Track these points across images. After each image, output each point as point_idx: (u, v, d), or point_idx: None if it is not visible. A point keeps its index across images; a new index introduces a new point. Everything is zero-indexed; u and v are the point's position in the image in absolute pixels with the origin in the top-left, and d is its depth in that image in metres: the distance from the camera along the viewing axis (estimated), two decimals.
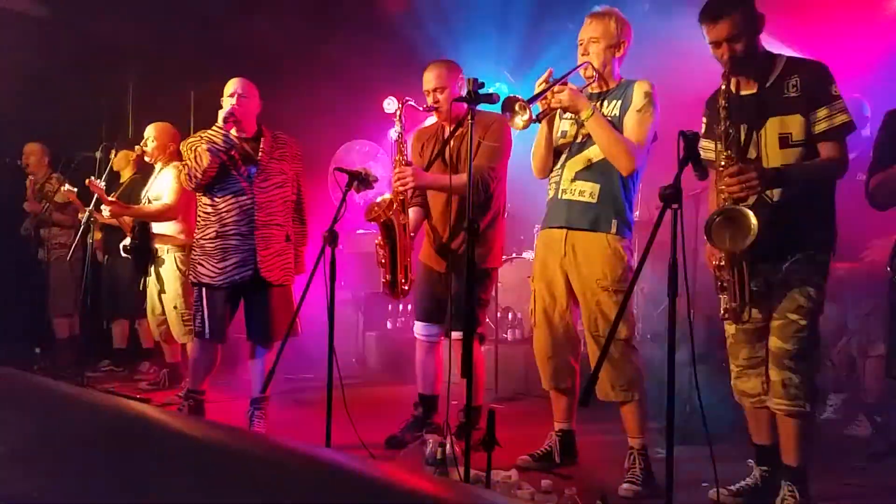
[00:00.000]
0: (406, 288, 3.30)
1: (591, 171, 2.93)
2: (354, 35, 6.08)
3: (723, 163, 2.43)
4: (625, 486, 2.82)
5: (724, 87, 2.48)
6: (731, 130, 2.46)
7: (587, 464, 3.18)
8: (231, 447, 1.09)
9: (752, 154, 2.51)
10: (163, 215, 4.50)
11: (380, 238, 3.32)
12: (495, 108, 2.73)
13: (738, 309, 2.51)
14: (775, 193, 2.49)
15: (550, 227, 3.06)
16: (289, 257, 3.65)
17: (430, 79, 3.39)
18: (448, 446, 2.67)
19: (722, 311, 2.54)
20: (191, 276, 3.70)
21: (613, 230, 2.90)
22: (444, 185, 3.27)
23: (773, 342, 2.52)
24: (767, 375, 2.57)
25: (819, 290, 2.49)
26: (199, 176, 3.46)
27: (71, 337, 5.53)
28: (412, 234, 3.38)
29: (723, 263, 2.50)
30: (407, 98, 3.33)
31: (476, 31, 6.12)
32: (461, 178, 3.15)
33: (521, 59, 6.37)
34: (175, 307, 4.50)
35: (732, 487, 2.70)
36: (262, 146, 3.59)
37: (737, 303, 2.49)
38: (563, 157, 3.02)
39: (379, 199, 3.31)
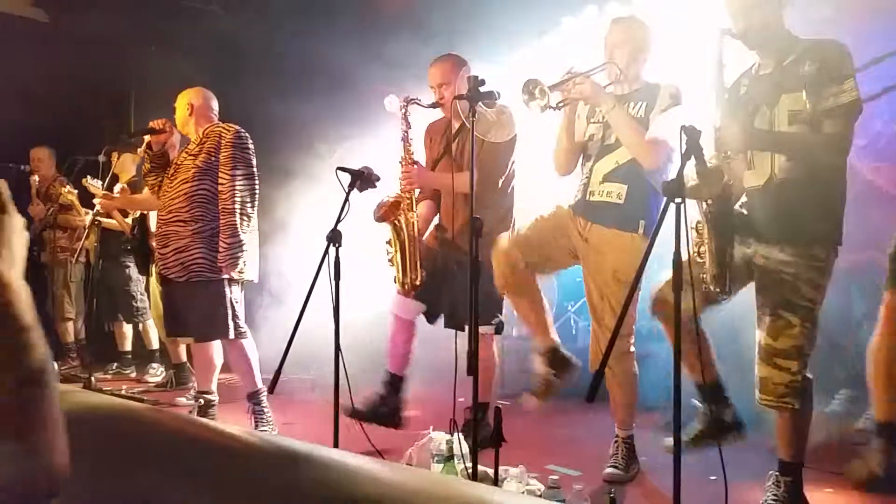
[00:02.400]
0: (417, 284, 3.28)
1: (619, 173, 2.93)
2: (353, 33, 6.07)
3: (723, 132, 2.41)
4: (608, 470, 2.95)
5: (716, 45, 2.42)
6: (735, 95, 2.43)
7: (598, 460, 3.18)
8: (237, 449, 1.09)
9: (761, 128, 2.47)
10: (151, 202, 4.33)
11: (390, 237, 3.32)
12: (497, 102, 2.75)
13: (720, 277, 2.38)
14: (782, 172, 2.44)
15: (573, 214, 3.02)
16: (193, 254, 3.50)
17: (434, 74, 3.40)
18: (455, 443, 2.67)
19: (701, 282, 2.38)
20: None
21: (640, 231, 2.89)
22: (447, 183, 3.26)
23: (763, 338, 2.47)
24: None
25: (816, 289, 2.41)
26: None
27: (76, 340, 5.55)
28: (423, 229, 3.40)
29: (700, 227, 2.42)
30: (410, 96, 3.33)
31: (477, 28, 6.09)
32: (463, 176, 3.15)
33: (523, 57, 6.34)
34: None
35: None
36: (188, 146, 3.67)
37: (717, 269, 2.38)
38: (592, 159, 3.02)
39: (386, 199, 3.30)
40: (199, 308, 3.49)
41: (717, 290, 2.43)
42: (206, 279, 3.48)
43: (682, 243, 2.04)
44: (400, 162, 3.33)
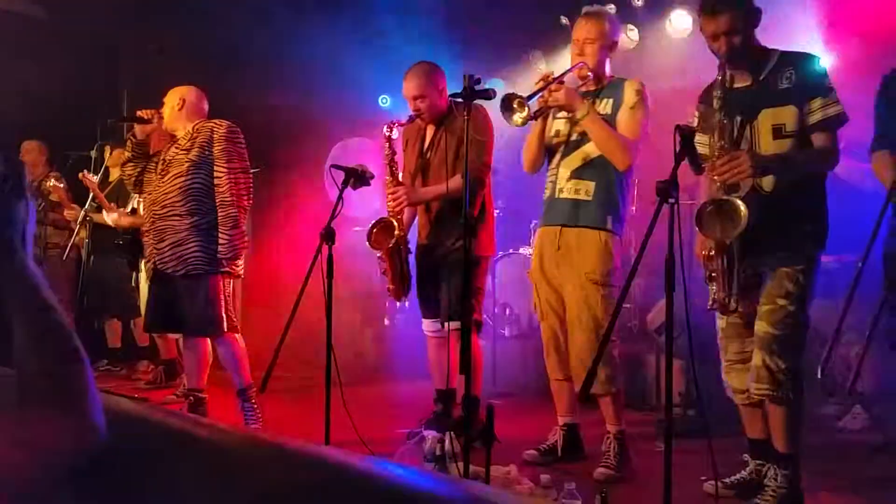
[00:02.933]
0: (408, 287, 3.47)
1: (586, 170, 2.98)
2: (348, 32, 6.06)
3: (717, 153, 2.45)
4: (599, 469, 2.91)
5: (719, 78, 2.49)
6: (724, 121, 2.47)
7: (589, 458, 3.19)
8: (228, 446, 1.09)
9: (744, 146, 2.52)
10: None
11: (381, 253, 3.40)
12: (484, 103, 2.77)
13: (726, 299, 2.49)
14: (767, 184, 2.49)
15: (546, 226, 3.11)
16: (190, 247, 3.47)
17: (409, 87, 3.43)
18: (447, 442, 2.67)
19: (710, 302, 2.53)
20: None
21: (608, 226, 2.96)
22: (439, 194, 3.33)
23: (760, 326, 2.51)
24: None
25: (807, 279, 2.49)
26: None
27: None
28: (407, 234, 3.47)
29: (712, 253, 2.49)
30: (393, 122, 3.43)
31: (470, 26, 6.10)
32: (457, 181, 3.24)
33: (515, 56, 6.36)
34: None
35: (727, 480, 2.70)
36: (178, 142, 3.65)
37: (725, 293, 2.48)
38: (559, 156, 3.06)
39: (376, 222, 3.38)
40: (194, 302, 3.47)
41: (725, 308, 2.50)
42: (204, 272, 3.46)
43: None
44: (387, 184, 3.39)
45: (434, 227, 3.46)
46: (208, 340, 3.66)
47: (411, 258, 3.53)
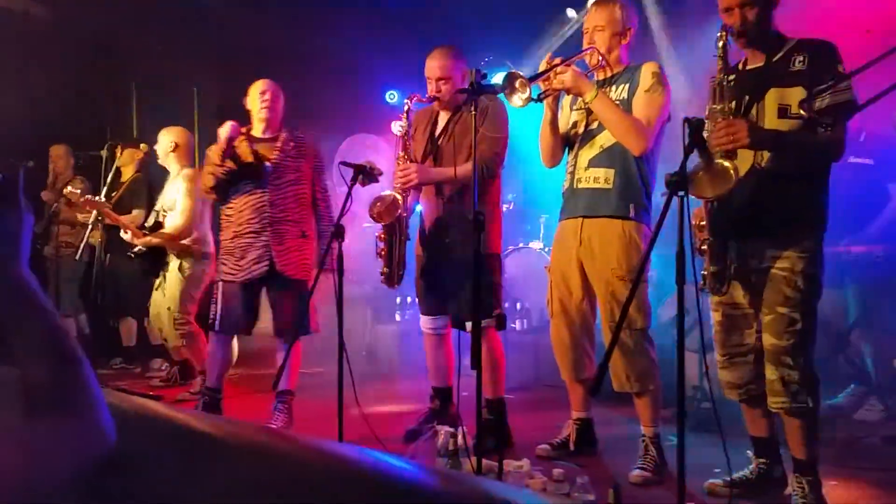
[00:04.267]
0: (401, 274, 3.38)
1: (604, 157, 2.90)
2: (354, 27, 6.06)
3: (719, 118, 2.38)
4: (635, 472, 2.83)
5: (720, 43, 2.40)
6: (727, 88, 2.40)
7: (602, 453, 3.19)
8: (240, 443, 1.09)
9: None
10: (178, 237, 4.49)
11: (381, 232, 3.34)
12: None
13: (719, 274, 2.41)
14: (765, 159, 2.42)
15: (567, 218, 3.04)
16: (307, 253, 3.67)
17: (433, 67, 3.34)
18: (460, 437, 2.68)
19: (701, 280, 2.42)
20: (217, 277, 3.80)
21: (631, 215, 2.87)
22: (448, 177, 3.25)
23: (767, 339, 2.44)
24: (761, 365, 2.49)
25: (809, 280, 2.40)
26: (207, 195, 3.79)
27: (79, 336, 5.56)
28: (408, 220, 3.39)
29: (703, 223, 2.44)
30: (414, 94, 3.33)
31: (477, 19, 6.08)
32: (466, 168, 3.15)
33: (523, 48, 6.34)
34: (169, 308, 4.50)
35: (727, 479, 2.62)
36: (279, 145, 3.68)
37: (717, 267, 2.40)
38: (576, 147, 3.01)
39: (382, 195, 3.29)
40: (296, 304, 3.58)
41: (717, 286, 2.44)
42: (306, 277, 3.59)
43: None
44: (398, 159, 3.32)
45: (441, 219, 3.35)
46: (235, 343, 3.78)
47: (410, 247, 3.44)
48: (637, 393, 2.91)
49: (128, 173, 5.30)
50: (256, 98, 3.73)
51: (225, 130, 3.56)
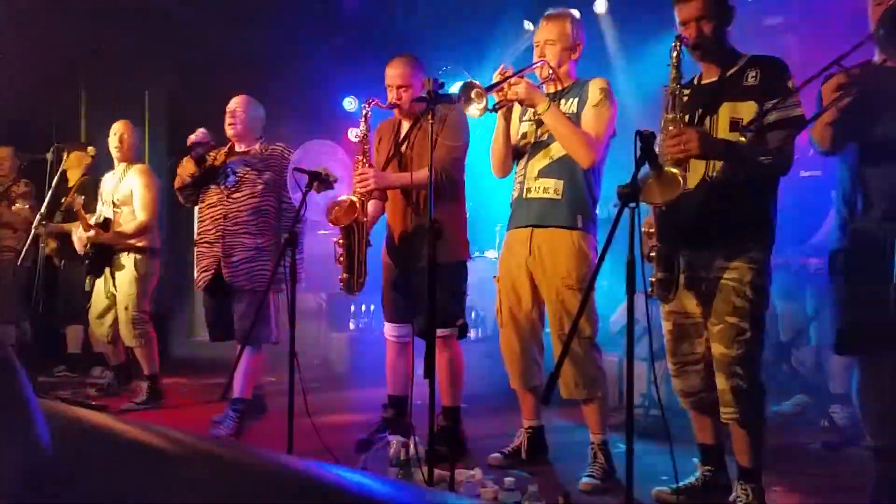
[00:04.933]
0: (361, 281, 3.30)
1: (554, 168, 2.95)
2: (309, 31, 6.03)
3: (671, 127, 2.42)
4: (584, 480, 2.85)
5: (674, 53, 2.46)
6: (677, 95, 2.45)
7: (553, 460, 3.21)
8: (185, 454, 1.07)
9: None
10: (141, 233, 4.41)
11: (340, 237, 3.29)
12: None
13: (666, 281, 2.44)
14: (716, 170, 2.47)
15: (516, 228, 3.07)
16: (261, 263, 3.70)
17: (393, 76, 3.34)
18: (412, 447, 2.66)
19: (648, 287, 2.46)
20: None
21: (579, 225, 2.92)
22: (405, 183, 3.24)
23: (716, 348, 2.48)
24: (710, 379, 2.53)
25: (757, 291, 2.45)
26: (178, 192, 3.88)
27: (20, 344, 5.37)
28: (370, 228, 3.37)
29: (652, 231, 2.48)
30: (372, 99, 3.30)
31: (434, 27, 6.12)
32: (423, 173, 3.13)
33: (480, 57, 6.38)
34: (126, 307, 4.39)
35: (675, 486, 2.67)
36: (246, 159, 3.80)
37: (664, 274, 2.43)
38: (526, 157, 3.05)
39: (340, 199, 3.26)
40: (249, 314, 3.58)
41: (664, 294, 2.47)
42: (266, 289, 3.50)
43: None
44: (356, 163, 3.30)
45: (406, 226, 3.33)
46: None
47: (372, 255, 3.39)
48: (585, 400, 2.94)
49: (74, 177, 5.15)
50: (226, 115, 3.84)
51: (193, 136, 3.68)
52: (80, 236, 4.46)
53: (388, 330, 3.49)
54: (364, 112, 3.32)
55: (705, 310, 2.54)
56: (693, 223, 2.46)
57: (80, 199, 4.52)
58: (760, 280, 2.47)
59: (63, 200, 4.97)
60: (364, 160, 3.28)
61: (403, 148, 3.39)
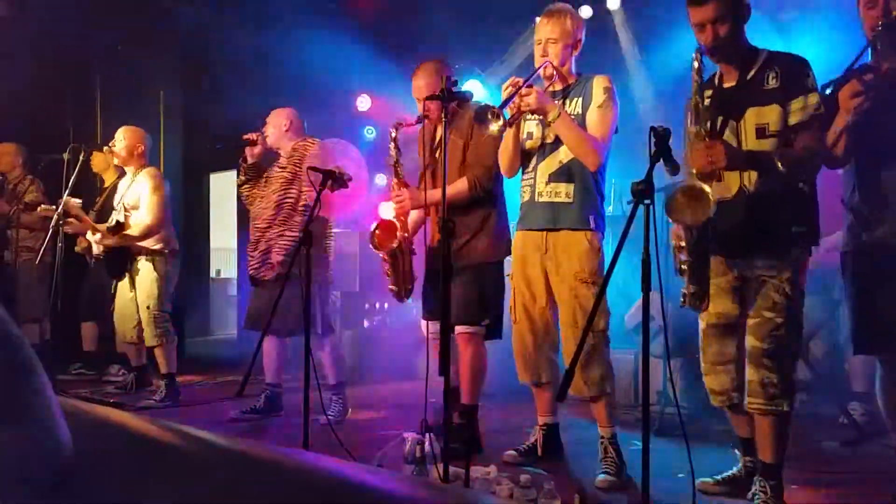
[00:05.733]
0: (409, 289, 3.41)
1: (564, 172, 2.98)
2: (322, 32, 6.04)
3: (697, 140, 2.42)
4: (601, 477, 2.85)
5: (696, 65, 2.45)
6: (699, 104, 2.44)
7: (569, 458, 3.21)
8: (207, 453, 1.08)
9: (732, 143, 2.48)
10: (146, 236, 4.44)
11: (384, 253, 3.36)
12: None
13: (698, 294, 2.45)
14: (752, 183, 2.47)
15: (529, 230, 3.08)
16: (279, 255, 3.91)
17: (420, 87, 3.38)
18: (427, 444, 2.67)
19: (682, 298, 2.49)
20: None
21: (591, 225, 2.96)
22: (438, 200, 3.25)
23: (750, 341, 2.49)
24: (744, 374, 2.54)
25: (794, 286, 2.46)
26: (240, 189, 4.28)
27: (42, 342, 5.43)
28: (413, 236, 3.42)
29: (682, 244, 2.47)
30: (401, 123, 3.35)
31: (445, 25, 6.10)
32: (454, 189, 3.21)
33: (491, 54, 6.37)
34: (148, 307, 4.43)
35: (718, 477, 2.71)
36: (280, 160, 4.09)
37: (697, 287, 2.44)
38: (535, 159, 3.05)
39: (381, 220, 3.38)
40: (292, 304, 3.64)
41: (697, 304, 2.47)
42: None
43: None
44: (392, 186, 3.37)
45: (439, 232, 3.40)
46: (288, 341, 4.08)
47: (418, 260, 3.46)
48: (593, 397, 2.95)
49: (110, 179, 5.20)
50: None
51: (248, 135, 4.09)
52: (92, 239, 4.52)
53: (425, 327, 3.51)
54: (393, 136, 3.36)
55: (743, 309, 2.54)
56: (734, 232, 2.44)
57: (76, 202, 4.56)
58: (799, 278, 2.47)
59: (97, 200, 5.04)
60: (399, 182, 3.35)
61: (437, 154, 3.42)
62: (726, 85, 2.58)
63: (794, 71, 2.46)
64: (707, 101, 2.50)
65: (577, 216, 2.96)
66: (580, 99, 2.98)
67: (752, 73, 2.52)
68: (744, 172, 2.48)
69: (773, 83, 2.47)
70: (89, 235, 4.52)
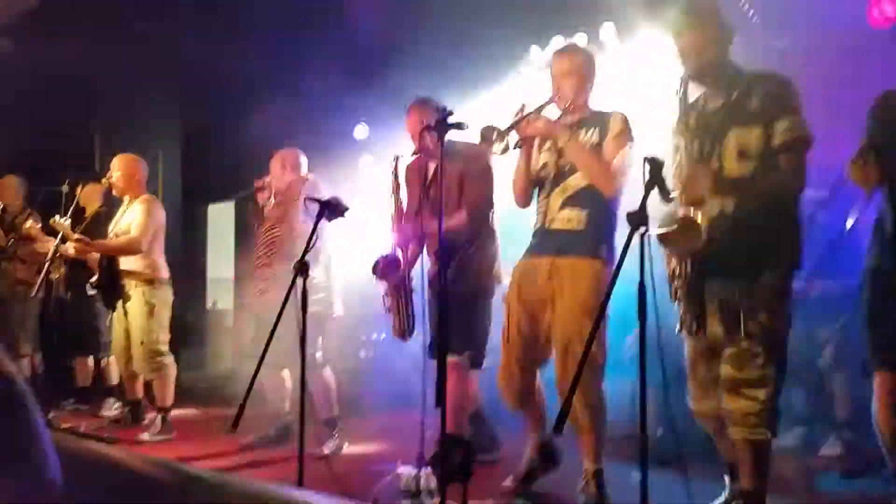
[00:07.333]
0: (411, 325, 3.44)
1: (577, 199, 2.95)
2: (320, 59, 6.09)
3: (683, 168, 2.44)
4: None
5: (680, 91, 2.48)
6: (691, 138, 2.47)
7: (566, 488, 3.16)
8: (199, 489, 1.06)
9: (713, 165, 2.48)
10: (127, 249, 4.41)
11: (387, 290, 3.40)
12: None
13: (696, 318, 2.45)
14: (730, 206, 2.45)
15: (537, 255, 3.04)
16: (270, 295, 3.80)
17: (413, 122, 3.46)
18: (423, 478, 2.64)
19: (678, 325, 2.49)
20: None
21: (602, 255, 2.92)
22: (436, 232, 3.28)
23: (725, 370, 2.46)
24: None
25: (773, 314, 2.42)
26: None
27: (33, 376, 5.37)
28: (410, 270, 3.43)
29: (677, 272, 2.48)
30: (398, 158, 3.46)
31: (441, 54, 6.15)
32: (452, 222, 3.27)
33: (488, 84, 6.41)
34: (142, 342, 4.39)
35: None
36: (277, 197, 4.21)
37: (694, 312, 2.45)
38: (548, 187, 3.04)
39: (384, 255, 3.39)
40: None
41: (693, 328, 2.48)
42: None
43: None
44: (391, 218, 3.42)
45: (435, 262, 3.42)
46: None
47: (418, 296, 3.46)
48: (586, 429, 2.89)
49: (90, 209, 5.20)
50: None
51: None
52: (69, 246, 4.48)
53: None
54: (392, 169, 3.44)
55: (725, 334, 2.50)
56: (713, 255, 2.43)
57: (32, 224, 4.78)
58: (778, 303, 2.44)
59: (77, 228, 5.03)
60: (398, 215, 3.41)
61: (431, 190, 3.44)
62: (710, 107, 2.56)
63: (778, 91, 2.45)
64: (692, 123, 2.51)
65: (589, 244, 2.91)
66: (597, 129, 2.96)
67: (735, 94, 2.49)
68: (724, 197, 2.45)
69: (755, 105, 2.45)
70: (67, 246, 4.49)
